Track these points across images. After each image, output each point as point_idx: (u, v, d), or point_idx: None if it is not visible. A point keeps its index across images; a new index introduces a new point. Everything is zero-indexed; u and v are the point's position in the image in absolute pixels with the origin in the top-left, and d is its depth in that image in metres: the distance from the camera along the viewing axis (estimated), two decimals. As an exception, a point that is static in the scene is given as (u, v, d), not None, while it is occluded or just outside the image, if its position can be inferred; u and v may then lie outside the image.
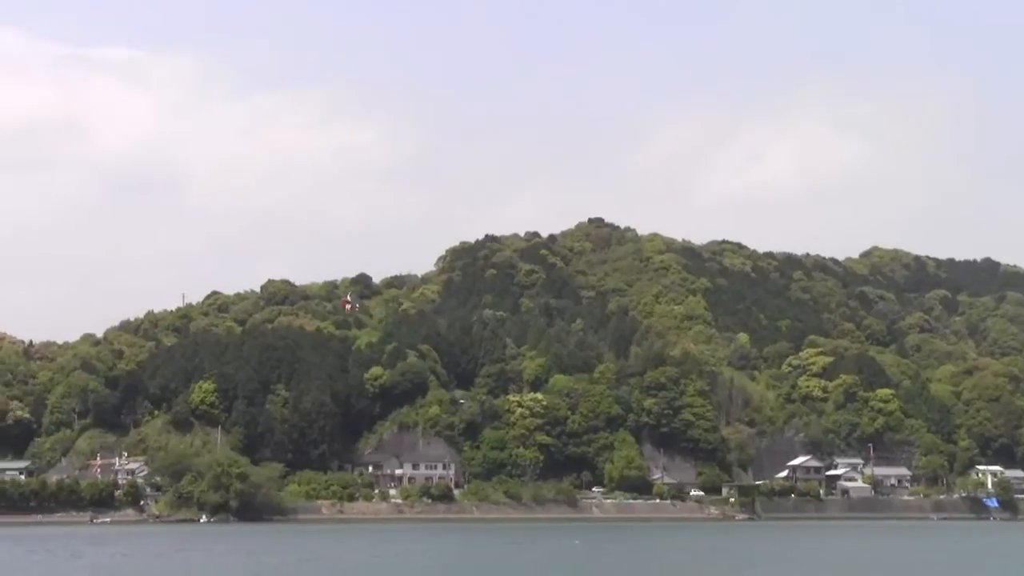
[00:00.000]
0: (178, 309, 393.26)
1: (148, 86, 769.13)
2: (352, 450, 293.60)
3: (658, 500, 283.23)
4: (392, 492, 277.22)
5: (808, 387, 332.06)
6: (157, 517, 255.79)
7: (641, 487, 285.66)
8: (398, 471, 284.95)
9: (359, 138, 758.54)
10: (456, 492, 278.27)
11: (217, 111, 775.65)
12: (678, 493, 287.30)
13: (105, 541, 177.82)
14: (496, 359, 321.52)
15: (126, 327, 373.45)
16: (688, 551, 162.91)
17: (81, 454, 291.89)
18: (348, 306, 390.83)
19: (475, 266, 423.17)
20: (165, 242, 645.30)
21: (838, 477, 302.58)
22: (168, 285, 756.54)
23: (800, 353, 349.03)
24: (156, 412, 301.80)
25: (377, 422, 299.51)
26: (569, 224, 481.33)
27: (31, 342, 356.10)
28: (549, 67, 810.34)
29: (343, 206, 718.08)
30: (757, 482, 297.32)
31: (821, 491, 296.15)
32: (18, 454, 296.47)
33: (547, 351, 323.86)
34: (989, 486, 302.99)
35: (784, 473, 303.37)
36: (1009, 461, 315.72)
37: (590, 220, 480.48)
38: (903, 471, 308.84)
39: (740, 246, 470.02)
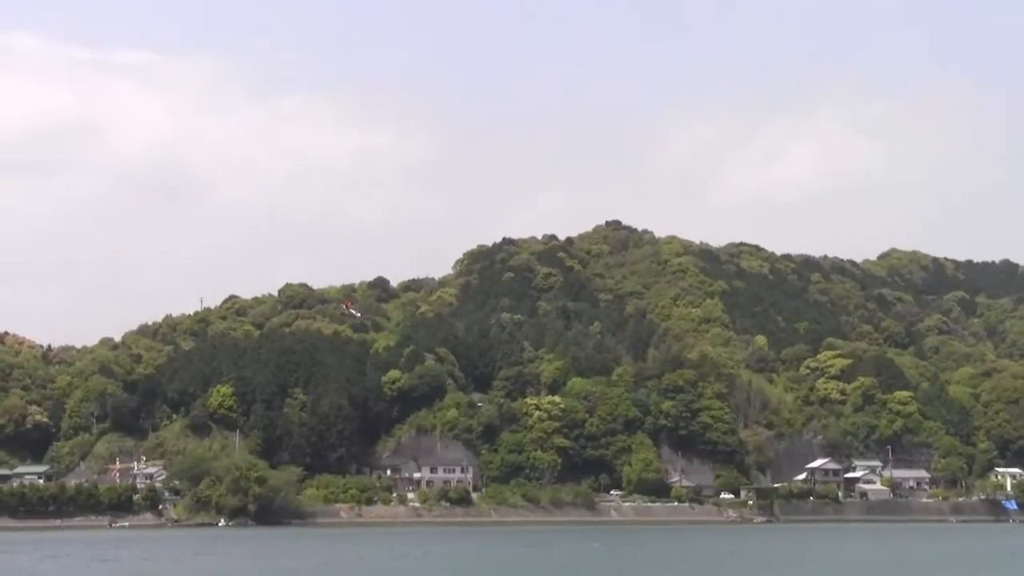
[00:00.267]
0: (196, 313, 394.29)
1: (165, 89, 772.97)
2: (370, 453, 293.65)
3: (676, 503, 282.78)
4: (410, 496, 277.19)
5: (826, 389, 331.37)
6: (175, 521, 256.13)
7: (659, 490, 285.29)
8: (416, 474, 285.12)
9: (376, 141, 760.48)
10: (474, 495, 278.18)
11: (234, 114, 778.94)
12: (696, 496, 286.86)
13: (123, 545, 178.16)
14: (514, 362, 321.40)
15: (144, 331, 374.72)
16: (707, 554, 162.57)
17: (100, 458, 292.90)
18: (351, 310, 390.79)
19: (492, 269, 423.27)
20: (183, 246, 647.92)
21: (856, 480, 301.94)
22: (186, 289, 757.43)
23: (818, 355, 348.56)
24: (174, 416, 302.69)
25: (395, 425, 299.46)
26: (586, 227, 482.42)
27: (50, 346, 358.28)
28: (566, 69, 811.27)
29: (361, 209, 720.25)
30: (775, 485, 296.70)
31: (839, 494, 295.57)
32: (37, 458, 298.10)
33: (565, 354, 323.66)
34: (1008, 488, 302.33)
35: (802, 476, 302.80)
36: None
37: (607, 223, 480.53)
38: (922, 473, 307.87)
39: (757, 248, 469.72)
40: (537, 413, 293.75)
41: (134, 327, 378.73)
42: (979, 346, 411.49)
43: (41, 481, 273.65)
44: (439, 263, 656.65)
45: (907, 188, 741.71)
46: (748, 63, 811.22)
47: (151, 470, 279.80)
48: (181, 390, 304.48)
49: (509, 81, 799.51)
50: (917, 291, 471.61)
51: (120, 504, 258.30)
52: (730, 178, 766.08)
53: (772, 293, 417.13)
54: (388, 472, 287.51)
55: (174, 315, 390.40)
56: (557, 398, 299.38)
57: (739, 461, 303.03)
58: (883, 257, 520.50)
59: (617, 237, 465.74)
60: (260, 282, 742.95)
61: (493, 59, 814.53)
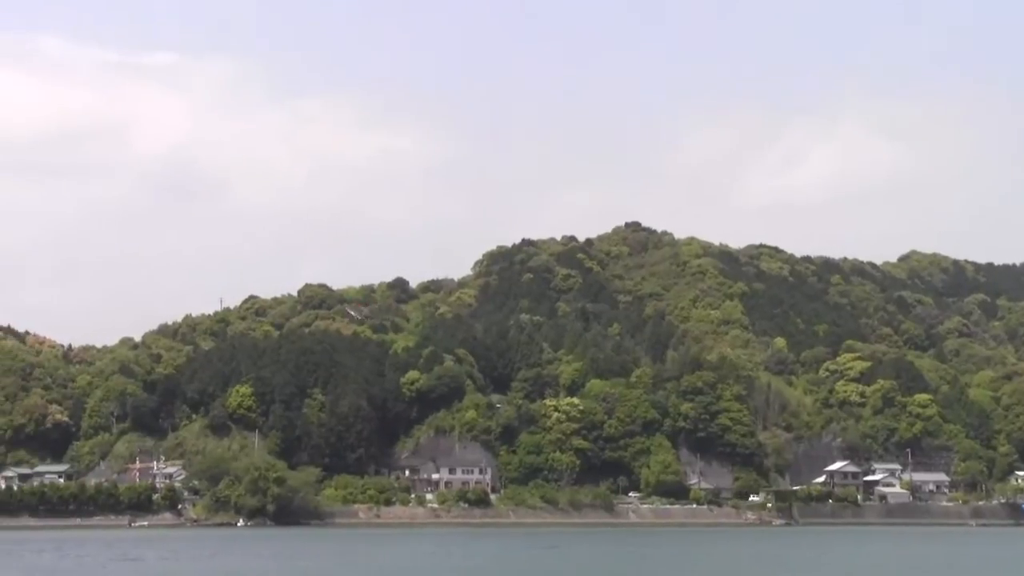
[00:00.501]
0: (216, 313, 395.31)
1: (186, 91, 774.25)
2: (389, 454, 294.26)
3: (694, 505, 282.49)
4: (429, 497, 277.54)
5: (846, 392, 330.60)
6: (194, 521, 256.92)
7: (678, 492, 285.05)
8: (435, 475, 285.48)
9: (396, 142, 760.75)
10: (492, 497, 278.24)
11: (255, 115, 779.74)
12: (714, 498, 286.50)
13: (145, 544, 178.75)
14: (533, 363, 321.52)
15: (164, 331, 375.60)
16: (727, 556, 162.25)
17: (119, 458, 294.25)
18: (353, 313, 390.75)
19: (512, 270, 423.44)
20: (203, 246, 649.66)
21: (876, 483, 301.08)
22: (206, 289, 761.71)
23: (837, 358, 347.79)
24: (194, 416, 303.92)
25: (414, 426, 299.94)
26: (606, 228, 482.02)
27: (70, 346, 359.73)
28: (587, 70, 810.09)
29: (380, 210, 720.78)
30: (794, 487, 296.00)
31: (859, 496, 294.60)
32: (57, 457, 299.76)
33: (583, 355, 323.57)
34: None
35: (821, 478, 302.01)
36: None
37: (627, 224, 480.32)
38: (941, 477, 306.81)
39: (777, 250, 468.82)
40: (556, 414, 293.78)
41: (154, 327, 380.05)
42: (999, 349, 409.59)
43: (61, 480, 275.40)
44: (458, 264, 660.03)
45: (928, 190, 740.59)
46: (770, 64, 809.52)
47: (170, 470, 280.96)
48: (200, 390, 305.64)
49: (529, 82, 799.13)
50: (937, 293, 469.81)
51: (140, 504, 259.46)
52: (750, 180, 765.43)
53: (792, 295, 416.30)
54: (407, 473, 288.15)
55: (194, 315, 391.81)
56: (576, 399, 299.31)
57: (758, 463, 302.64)
58: (903, 259, 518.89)
59: (636, 238, 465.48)
60: (280, 282, 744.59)
61: (515, 60, 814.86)
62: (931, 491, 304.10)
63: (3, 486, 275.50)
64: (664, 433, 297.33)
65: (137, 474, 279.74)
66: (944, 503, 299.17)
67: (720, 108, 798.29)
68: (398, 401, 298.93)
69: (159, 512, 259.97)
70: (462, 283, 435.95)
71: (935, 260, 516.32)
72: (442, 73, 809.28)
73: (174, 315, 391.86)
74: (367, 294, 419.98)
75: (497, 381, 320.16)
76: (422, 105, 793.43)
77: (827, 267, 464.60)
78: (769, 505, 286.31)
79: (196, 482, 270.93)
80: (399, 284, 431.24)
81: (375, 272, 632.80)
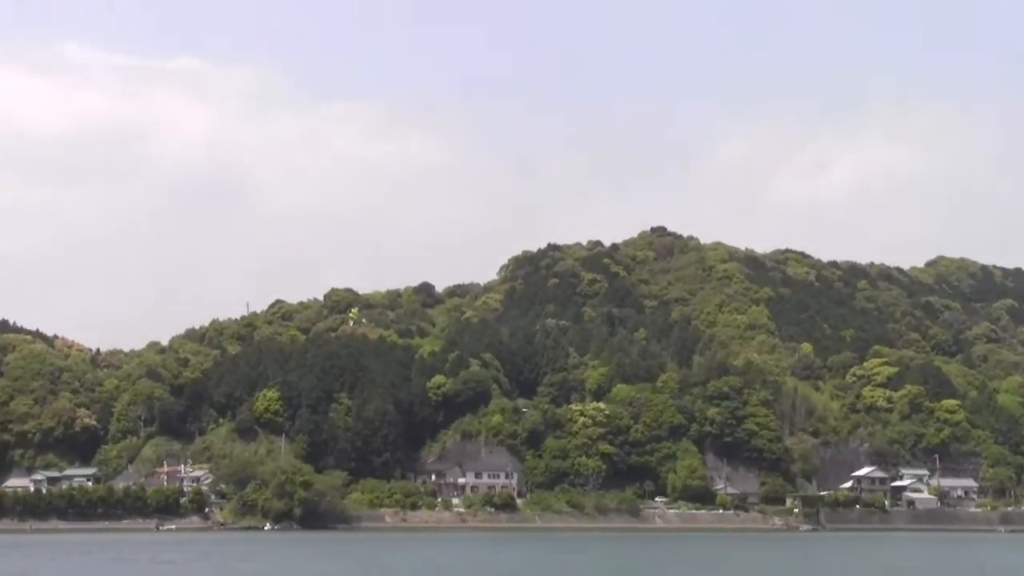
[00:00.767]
0: (242, 317, 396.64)
1: (211, 97, 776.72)
2: (415, 459, 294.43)
3: (721, 510, 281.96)
4: (455, 501, 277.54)
5: (873, 397, 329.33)
6: (221, 525, 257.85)
7: (704, 497, 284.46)
8: (460, 480, 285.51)
9: (421, 147, 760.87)
10: (519, 501, 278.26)
11: (280, 120, 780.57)
12: (741, 503, 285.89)
13: (173, 548, 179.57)
14: (558, 368, 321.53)
15: (191, 335, 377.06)
16: (757, 562, 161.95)
17: (147, 461, 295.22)
18: (352, 322, 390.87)
19: (537, 275, 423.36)
20: (229, 251, 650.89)
21: (903, 488, 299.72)
22: (232, 294, 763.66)
23: (864, 363, 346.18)
24: (221, 420, 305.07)
25: (440, 431, 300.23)
26: (631, 233, 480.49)
27: (98, 350, 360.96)
28: (613, 76, 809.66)
29: (406, 215, 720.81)
30: (821, 493, 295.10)
31: (886, 502, 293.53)
32: (86, 461, 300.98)
33: (609, 360, 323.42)
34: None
35: (848, 484, 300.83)
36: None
37: (652, 229, 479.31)
38: (970, 482, 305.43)
39: (804, 255, 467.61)
40: (582, 419, 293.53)
41: (181, 331, 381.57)
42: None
43: (90, 483, 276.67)
44: (484, 269, 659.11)
45: (955, 195, 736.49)
46: (796, 71, 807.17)
47: (197, 473, 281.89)
48: (227, 394, 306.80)
49: (555, 87, 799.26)
50: (965, 299, 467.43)
51: (167, 507, 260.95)
52: (777, 185, 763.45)
53: (818, 300, 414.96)
54: (433, 477, 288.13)
55: (221, 319, 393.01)
56: (602, 404, 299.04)
57: (784, 469, 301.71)
58: (931, 264, 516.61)
59: (662, 243, 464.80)
60: (306, 287, 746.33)
61: (538, 66, 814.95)
62: (959, 497, 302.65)
63: (32, 489, 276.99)
64: (690, 438, 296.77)
65: (164, 478, 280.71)
66: (972, 509, 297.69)
67: (747, 113, 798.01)
68: (424, 405, 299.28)
69: (186, 515, 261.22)
70: (488, 288, 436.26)
71: (963, 265, 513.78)
72: (469, 78, 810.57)
73: (201, 319, 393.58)
74: (393, 298, 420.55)
75: (523, 386, 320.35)
76: (448, 111, 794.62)
77: (854, 272, 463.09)
78: (796, 511, 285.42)
79: (223, 486, 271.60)
80: (425, 289, 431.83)
81: (401, 277, 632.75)
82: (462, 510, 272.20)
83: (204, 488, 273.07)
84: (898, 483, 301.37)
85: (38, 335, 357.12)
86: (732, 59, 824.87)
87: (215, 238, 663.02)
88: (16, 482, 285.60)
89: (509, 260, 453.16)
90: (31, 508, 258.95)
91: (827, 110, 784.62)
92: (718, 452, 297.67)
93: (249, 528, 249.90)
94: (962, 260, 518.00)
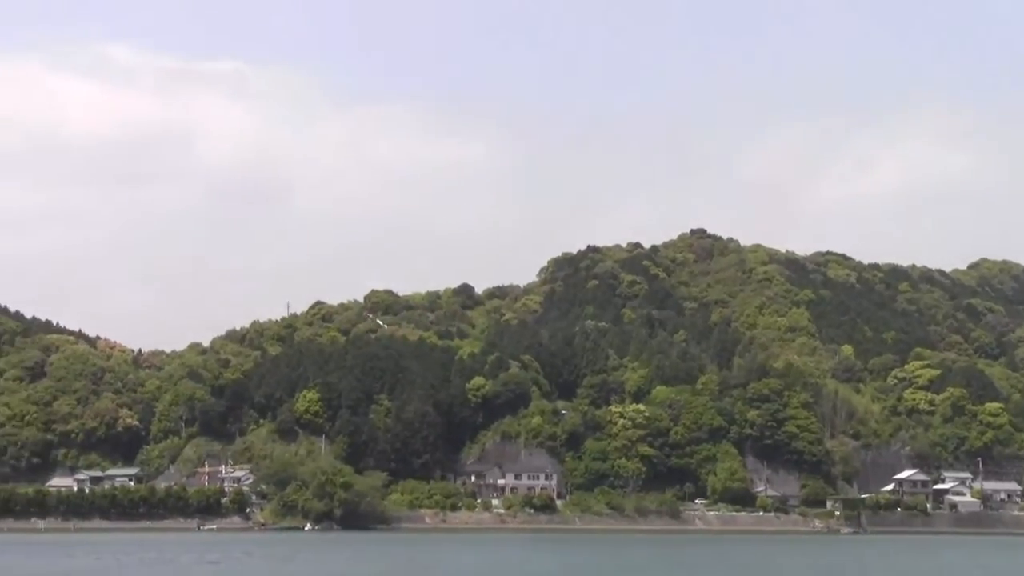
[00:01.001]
0: (283, 319, 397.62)
1: (253, 99, 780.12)
2: (454, 460, 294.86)
3: (761, 512, 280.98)
4: (494, 502, 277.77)
5: (914, 400, 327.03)
6: (262, 525, 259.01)
7: (744, 499, 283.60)
8: (500, 481, 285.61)
9: (462, 150, 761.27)
10: (558, 503, 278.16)
11: (321, 123, 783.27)
12: (781, 506, 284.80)
13: (216, 548, 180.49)
14: (598, 370, 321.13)
15: (232, 336, 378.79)
16: (800, 565, 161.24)
17: (188, 462, 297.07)
18: (370, 317, 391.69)
19: (577, 277, 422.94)
20: (270, 253, 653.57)
21: (946, 491, 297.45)
22: (273, 295, 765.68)
23: (906, 366, 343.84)
24: (261, 421, 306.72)
25: (479, 432, 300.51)
26: (671, 235, 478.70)
27: (140, 351, 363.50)
28: (651, 77, 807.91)
29: (447, 217, 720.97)
30: (863, 495, 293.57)
31: (928, 505, 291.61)
32: (128, 461, 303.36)
33: (649, 362, 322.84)
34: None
35: (890, 487, 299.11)
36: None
37: (692, 231, 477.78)
38: (1013, 486, 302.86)
39: (844, 257, 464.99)
40: (621, 421, 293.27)
41: (222, 332, 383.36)
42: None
43: (132, 483, 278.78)
44: (524, 270, 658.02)
45: (998, 197, 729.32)
46: (836, 71, 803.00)
47: (238, 474, 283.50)
48: (268, 395, 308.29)
49: (594, 89, 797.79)
50: (1008, 301, 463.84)
51: (208, 507, 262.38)
52: (817, 186, 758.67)
53: (859, 302, 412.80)
54: (472, 478, 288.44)
55: (261, 321, 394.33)
56: (641, 406, 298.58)
57: (825, 471, 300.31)
58: (973, 266, 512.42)
59: (702, 245, 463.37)
60: (346, 288, 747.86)
61: (578, 67, 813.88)
62: (1002, 500, 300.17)
63: (76, 488, 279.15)
64: (730, 440, 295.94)
65: (206, 478, 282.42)
66: (1016, 512, 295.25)
67: (787, 116, 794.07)
68: (464, 407, 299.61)
69: (227, 516, 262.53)
70: (527, 289, 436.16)
71: (1005, 267, 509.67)
72: (507, 81, 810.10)
73: (242, 321, 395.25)
74: (433, 300, 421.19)
75: (562, 387, 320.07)
76: (487, 113, 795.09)
77: (895, 274, 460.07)
78: (837, 513, 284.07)
79: (264, 486, 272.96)
80: (464, 290, 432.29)
81: (441, 278, 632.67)
82: (502, 511, 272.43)
83: (245, 488, 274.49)
84: (940, 486, 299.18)
85: (81, 336, 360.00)
86: (773, 60, 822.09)
87: (256, 240, 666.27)
88: (60, 481, 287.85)
89: (549, 262, 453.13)
90: (74, 507, 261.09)
91: (869, 111, 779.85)
92: (758, 454, 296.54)
93: (290, 528, 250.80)
94: (1004, 262, 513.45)
